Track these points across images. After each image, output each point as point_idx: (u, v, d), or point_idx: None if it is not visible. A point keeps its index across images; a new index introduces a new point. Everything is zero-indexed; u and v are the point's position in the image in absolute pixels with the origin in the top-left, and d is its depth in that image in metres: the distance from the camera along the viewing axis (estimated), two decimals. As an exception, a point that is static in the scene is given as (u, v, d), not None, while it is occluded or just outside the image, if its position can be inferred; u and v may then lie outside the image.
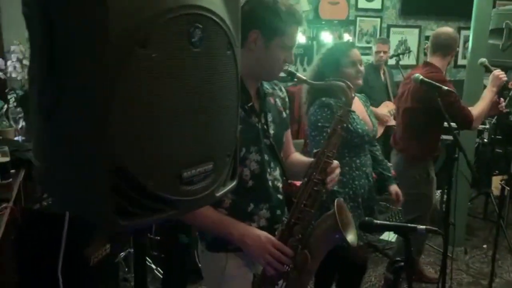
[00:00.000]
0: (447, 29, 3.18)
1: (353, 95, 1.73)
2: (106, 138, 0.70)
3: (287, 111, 1.86)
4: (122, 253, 3.26)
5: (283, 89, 1.88)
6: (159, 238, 3.37)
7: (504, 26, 3.11)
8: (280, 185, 1.74)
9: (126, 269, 3.30)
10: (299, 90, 4.95)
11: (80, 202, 0.75)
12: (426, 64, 3.08)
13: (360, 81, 2.37)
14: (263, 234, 1.58)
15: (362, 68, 2.35)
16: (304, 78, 1.82)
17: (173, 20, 0.72)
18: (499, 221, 3.06)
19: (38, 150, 0.82)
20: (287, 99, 1.87)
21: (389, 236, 3.77)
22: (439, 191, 4.29)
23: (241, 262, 1.65)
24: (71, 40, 0.69)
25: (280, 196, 1.73)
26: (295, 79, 1.69)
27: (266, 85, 1.77)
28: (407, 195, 2.83)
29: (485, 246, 4.07)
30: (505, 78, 2.97)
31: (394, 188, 2.64)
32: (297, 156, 1.94)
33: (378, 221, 1.56)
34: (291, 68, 1.68)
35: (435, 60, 3.02)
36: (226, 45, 0.84)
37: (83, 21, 0.67)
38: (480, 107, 2.97)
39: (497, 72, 2.97)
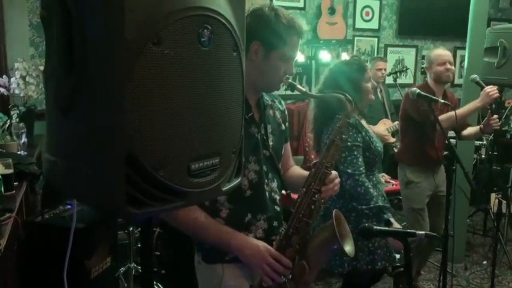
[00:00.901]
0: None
1: (353, 107, 1.75)
2: (119, 130, 0.74)
3: (287, 124, 1.86)
4: (122, 268, 3.25)
5: (282, 102, 1.89)
6: (158, 253, 3.37)
7: (498, 44, 3.18)
8: (277, 197, 1.73)
9: (126, 285, 3.28)
10: (298, 108, 5.02)
11: (94, 192, 0.78)
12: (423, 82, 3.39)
13: (373, 96, 2.44)
14: (262, 244, 1.57)
15: (374, 83, 2.44)
16: (304, 89, 1.83)
17: (184, 20, 0.77)
18: (497, 234, 3.08)
19: (52, 145, 0.85)
20: (286, 112, 1.88)
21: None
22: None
23: (238, 272, 1.63)
24: (89, 36, 0.73)
25: (277, 208, 1.72)
26: (296, 91, 1.71)
27: (266, 97, 1.78)
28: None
29: (485, 262, 4.06)
30: (496, 95, 2.99)
31: None
32: (297, 170, 1.94)
33: (378, 227, 1.58)
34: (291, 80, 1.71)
35: (428, 80, 3.32)
36: (232, 47, 0.88)
37: (100, 18, 0.71)
38: (452, 113, 3.01)
39: (489, 89, 2.98)
